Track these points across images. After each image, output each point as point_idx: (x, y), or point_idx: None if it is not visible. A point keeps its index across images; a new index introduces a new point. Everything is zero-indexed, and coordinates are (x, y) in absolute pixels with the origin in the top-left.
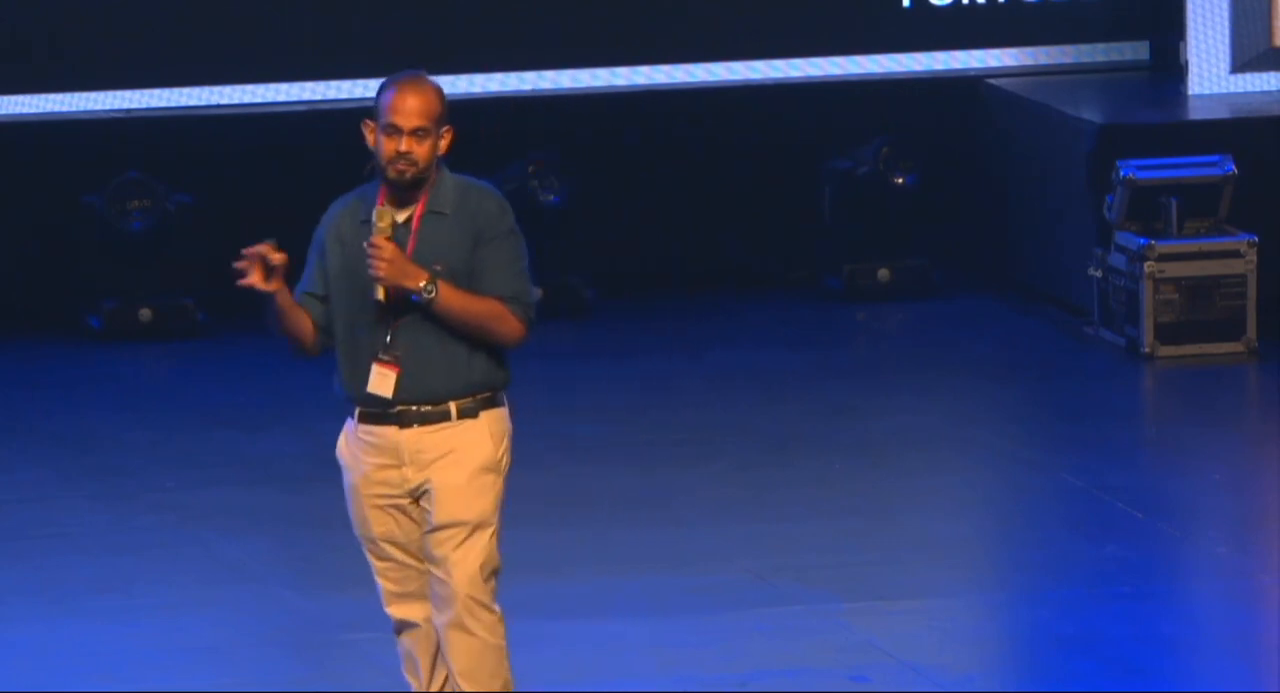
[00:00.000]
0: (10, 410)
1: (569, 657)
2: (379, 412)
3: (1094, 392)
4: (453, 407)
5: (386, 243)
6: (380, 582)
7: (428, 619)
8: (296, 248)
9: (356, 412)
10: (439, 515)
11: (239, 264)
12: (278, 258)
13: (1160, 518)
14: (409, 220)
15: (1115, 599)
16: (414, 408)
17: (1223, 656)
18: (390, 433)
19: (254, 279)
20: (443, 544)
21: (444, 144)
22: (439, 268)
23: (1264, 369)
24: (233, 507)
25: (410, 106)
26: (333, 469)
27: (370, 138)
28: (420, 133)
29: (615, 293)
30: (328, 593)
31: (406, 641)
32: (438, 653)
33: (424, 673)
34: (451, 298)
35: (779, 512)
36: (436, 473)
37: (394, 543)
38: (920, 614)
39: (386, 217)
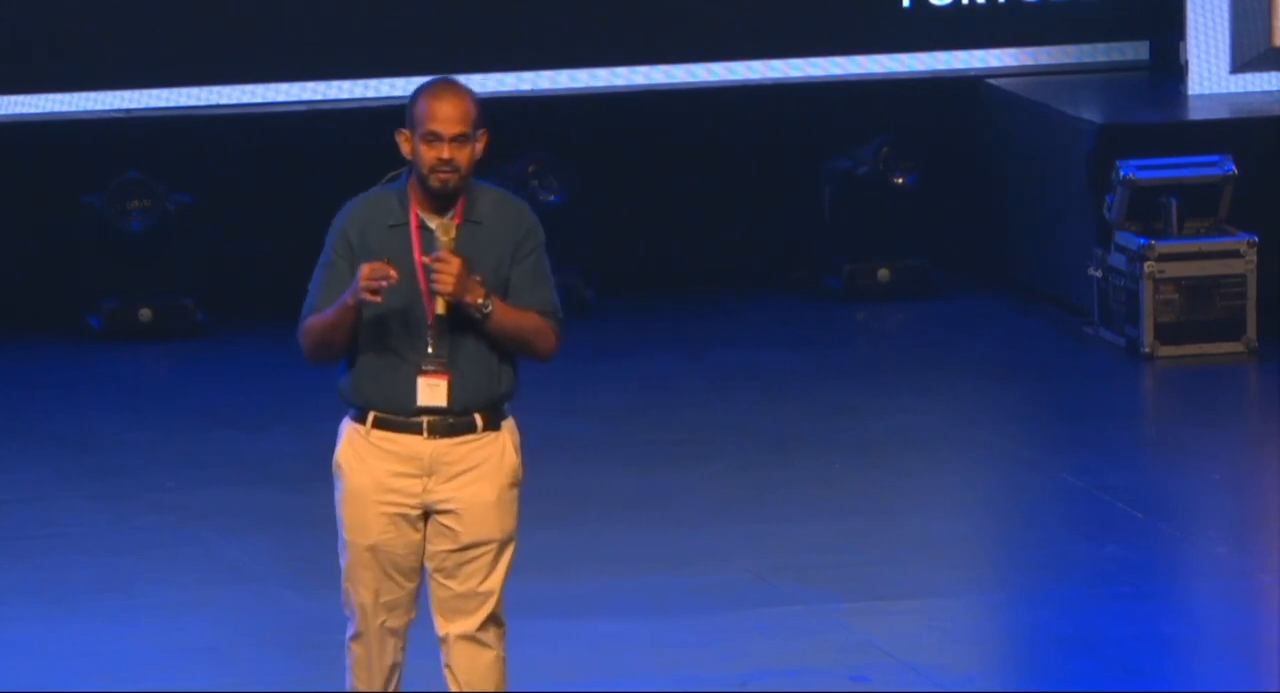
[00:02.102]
0: (10, 410)
1: (569, 657)
2: (401, 420)
3: (1094, 392)
4: (479, 418)
5: (454, 257)
6: (363, 594)
7: (392, 630)
8: (296, 248)
9: (371, 417)
10: (470, 534)
11: (379, 286)
12: (394, 276)
13: (1160, 518)
14: None
15: (1115, 599)
16: (442, 418)
17: (1223, 656)
18: (414, 442)
19: (378, 298)
20: (473, 562)
21: (480, 148)
22: (478, 278)
23: (1264, 369)
24: (233, 507)
25: (450, 113)
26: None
27: (406, 147)
28: (461, 139)
29: (615, 293)
30: (328, 593)
31: (363, 650)
32: (394, 665)
33: (379, 675)
34: (504, 313)
35: (779, 512)
36: (464, 489)
37: (386, 552)
38: (920, 614)
39: (451, 229)
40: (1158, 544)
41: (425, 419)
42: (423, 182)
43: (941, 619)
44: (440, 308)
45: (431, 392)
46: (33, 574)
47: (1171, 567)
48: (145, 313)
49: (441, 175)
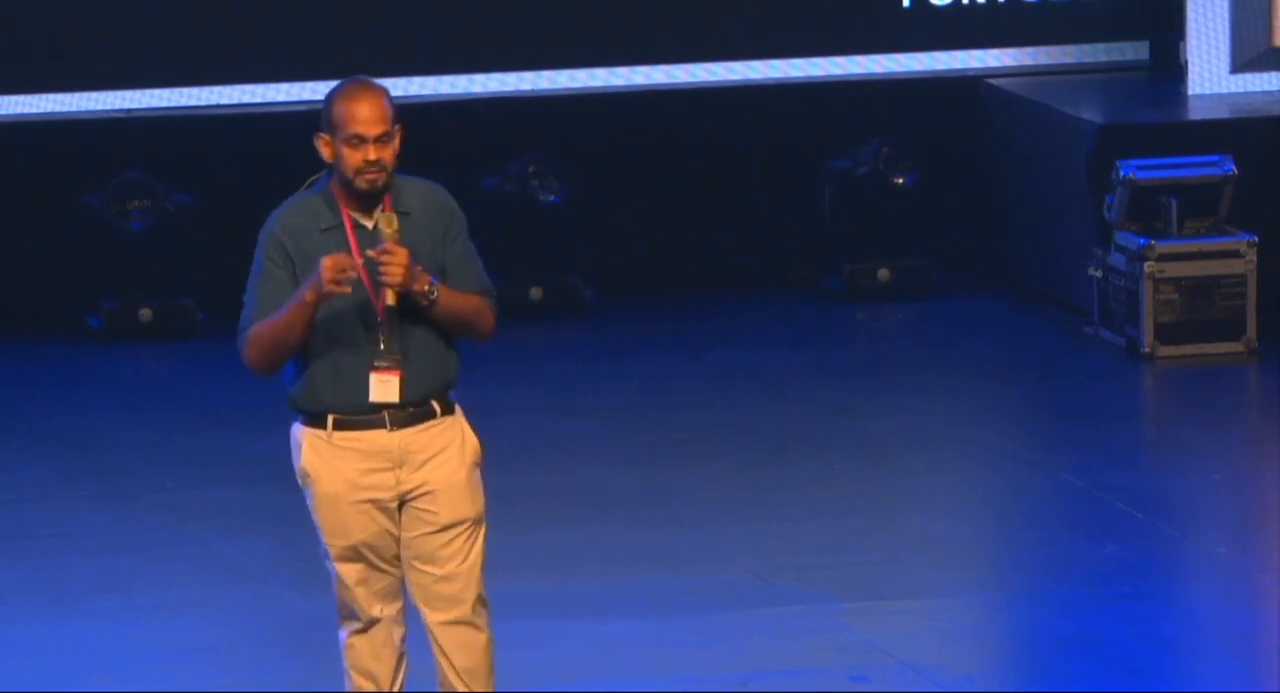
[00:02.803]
0: (10, 410)
1: (569, 657)
2: (362, 418)
3: (1094, 392)
4: (436, 404)
5: (400, 247)
6: (354, 589)
7: (391, 617)
8: None
9: (331, 420)
10: (446, 515)
11: (347, 278)
12: (360, 264)
13: (1160, 518)
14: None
15: (1115, 599)
16: (402, 409)
17: (1223, 656)
18: (379, 437)
19: (347, 289)
20: (451, 543)
21: (397, 144)
22: (421, 267)
23: (1264, 369)
24: (233, 507)
25: (369, 114)
26: None
27: (326, 152)
28: (384, 138)
29: (615, 293)
30: (327, 593)
31: (366, 643)
32: (401, 655)
33: (384, 674)
34: (448, 297)
35: (779, 512)
36: (435, 472)
37: (371, 547)
38: (920, 614)
39: (394, 221)
40: (1158, 544)
41: (386, 412)
42: (349, 184)
43: (941, 619)
44: (390, 299)
45: (384, 388)
46: (33, 574)
47: (1171, 567)
48: (145, 313)
49: (370, 177)
